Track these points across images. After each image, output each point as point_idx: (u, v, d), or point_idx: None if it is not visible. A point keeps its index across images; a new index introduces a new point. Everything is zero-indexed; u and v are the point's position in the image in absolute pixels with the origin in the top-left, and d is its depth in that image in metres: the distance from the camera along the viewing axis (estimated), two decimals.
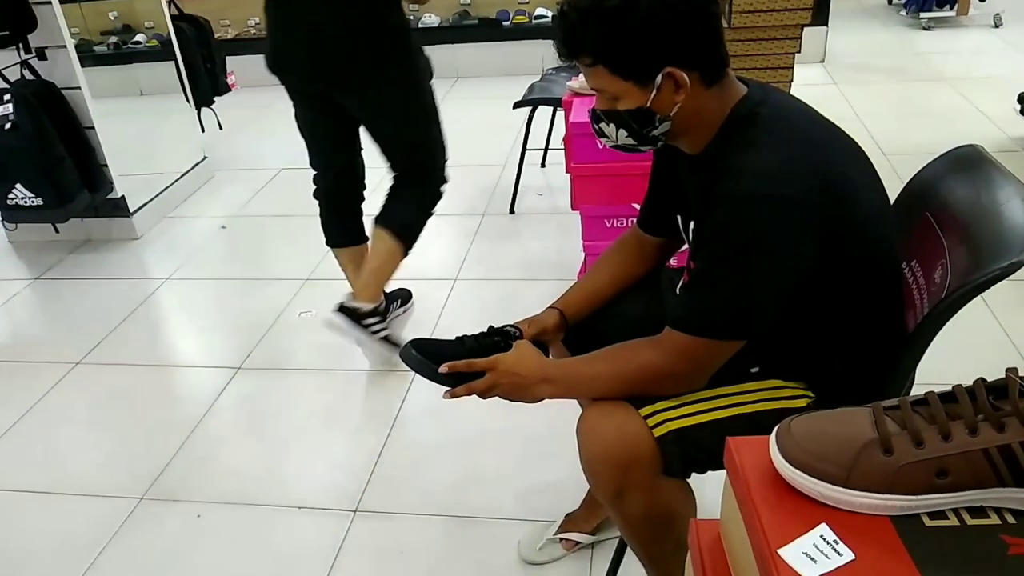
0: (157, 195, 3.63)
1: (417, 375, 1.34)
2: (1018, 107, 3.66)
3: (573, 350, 1.49)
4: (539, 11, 5.16)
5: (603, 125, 1.24)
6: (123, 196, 3.39)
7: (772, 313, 1.16)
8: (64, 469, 2.20)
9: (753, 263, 1.12)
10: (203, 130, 4.00)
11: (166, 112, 3.96)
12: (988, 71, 4.63)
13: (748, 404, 1.23)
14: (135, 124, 3.81)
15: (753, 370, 1.27)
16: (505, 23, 5.21)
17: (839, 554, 0.68)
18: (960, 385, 0.72)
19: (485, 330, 1.45)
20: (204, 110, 3.99)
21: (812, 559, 0.68)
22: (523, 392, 1.29)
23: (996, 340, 2.31)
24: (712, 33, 1.17)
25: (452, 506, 1.95)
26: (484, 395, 1.31)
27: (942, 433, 0.69)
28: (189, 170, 3.88)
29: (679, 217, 1.38)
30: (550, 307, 1.52)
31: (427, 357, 1.34)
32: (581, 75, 2.59)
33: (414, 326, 2.67)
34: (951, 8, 5.54)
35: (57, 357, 2.67)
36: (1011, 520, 0.70)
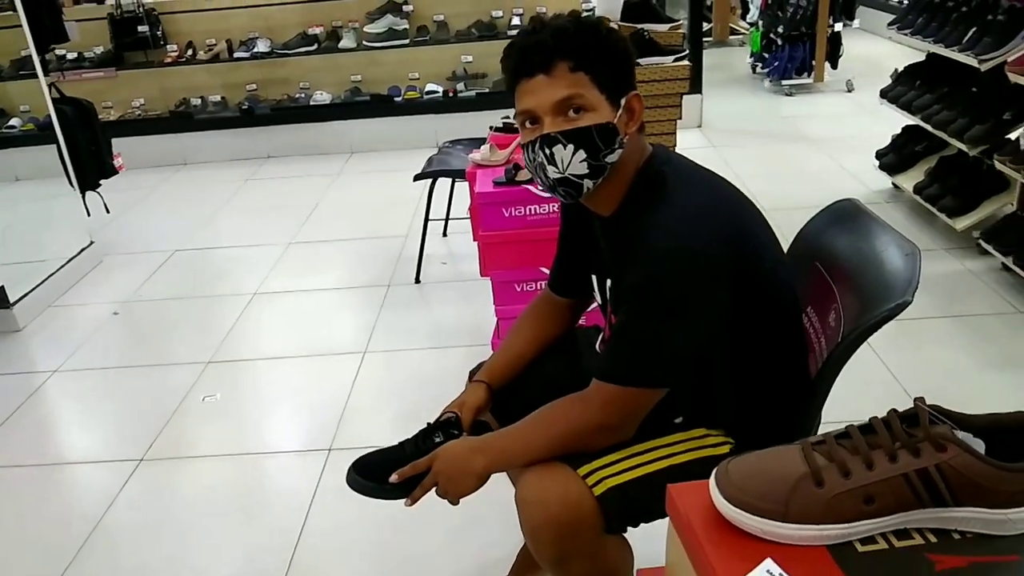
0: (40, 284, 3.45)
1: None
2: (876, 163, 4.00)
3: (500, 417, 1.50)
4: (430, 86, 5.29)
5: (557, 149, 1.21)
6: (2, 287, 3.20)
7: (691, 360, 1.21)
8: None
9: (671, 314, 1.18)
10: (89, 214, 3.86)
11: (48, 197, 3.81)
12: (847, 131, 5.05)
13: (677, 455, 1.28)
14: (14, 211, 3.65)
15: (677, 420, 1.32)
16: (397, 99, 5.30)
17: None
18: (876, 417, 0.78)
19: (425, 427, 1.45)
20: (90, 193, 3.85)
21: None
22: (461, 474, 1.29)
23: (882, 379, 2.48)
24: None
25: None
26: (437, 491, 1.32)
27: (866, 462, 0.75)
28: (75, 256, 3.71)
29: (594, 277, 1.44)
30: (475, 381, 1.53)
31: (372, 476, 1.36)
32: (484, 147, 2.70)
33: (325, 404, 2.61)
34: (808, 76, 6.03)
35: None
36: (933, 539, 0.77)
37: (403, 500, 1.34)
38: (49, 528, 2.19)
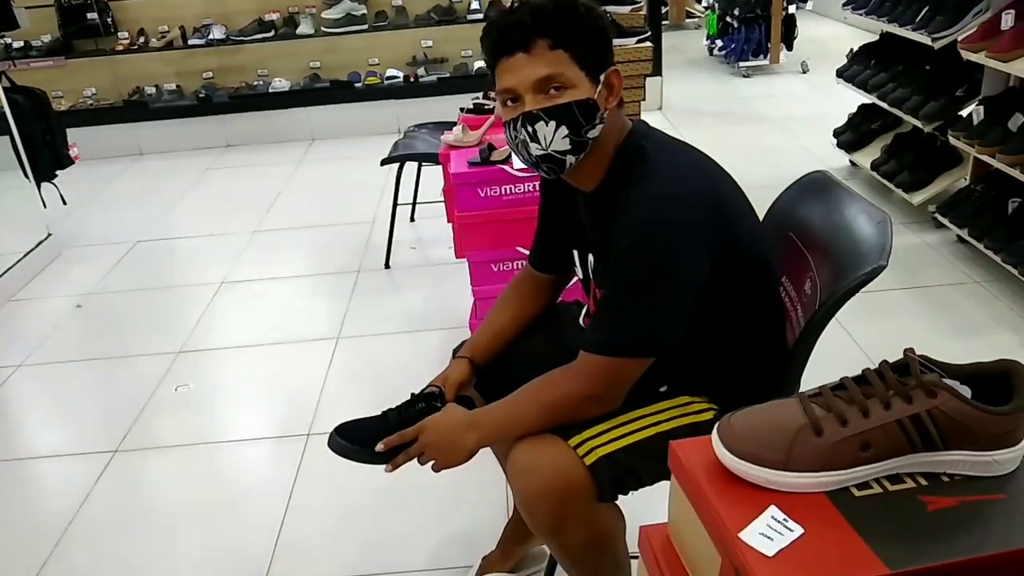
0: None
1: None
2: (834, 141, 4.09)
3: (485, 394, 1.52)
4: (390, 72, 5.25)
5: (539, 126, 1.22)
6: None
7: (677, 329, 1.25)
8: None
9: (657, 284, 1.21)
10: (45, 206, 3.77)
11: (2, 189, 3.71)
12: (804, 111, 5.15)
13: (663, 423, 1.31)
14: None
15: (662, 389, 1.36)
16: (357, 85, 5.26)
17: (790, 530, 0.75)
18: (869, 368, 0.82)
19: (408, 398, 1.46)
20: (45, 185, 3.75)
21: (769, 538, 0.75)
22: (452, 447, 1.31)
23: (847, 350, 2.55)
24: None
25: (363, 568, 1.90)
26: (420, 460, 1.33)
27: (862, 410, 0.79)
28: (32, 249, 3.63)
29: (575, 252, 1.46)
30: (458, 357, 1.54)
31: (354, 442, 1.36)
32: (456, 128, 2.70)
33: (301, 390, 2.60)
34: (764, 58, 6.13)
35: None
36: (924, 482, 0.81)
37: (383, 466, 1.35)
38: (24, 524, 2.15)
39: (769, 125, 4.93)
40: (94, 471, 2.30)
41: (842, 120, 4.15)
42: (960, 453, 0.79)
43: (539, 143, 1.24)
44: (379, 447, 1.33)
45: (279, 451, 2.36)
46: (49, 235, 3.76)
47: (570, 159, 1.26)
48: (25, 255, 3.57)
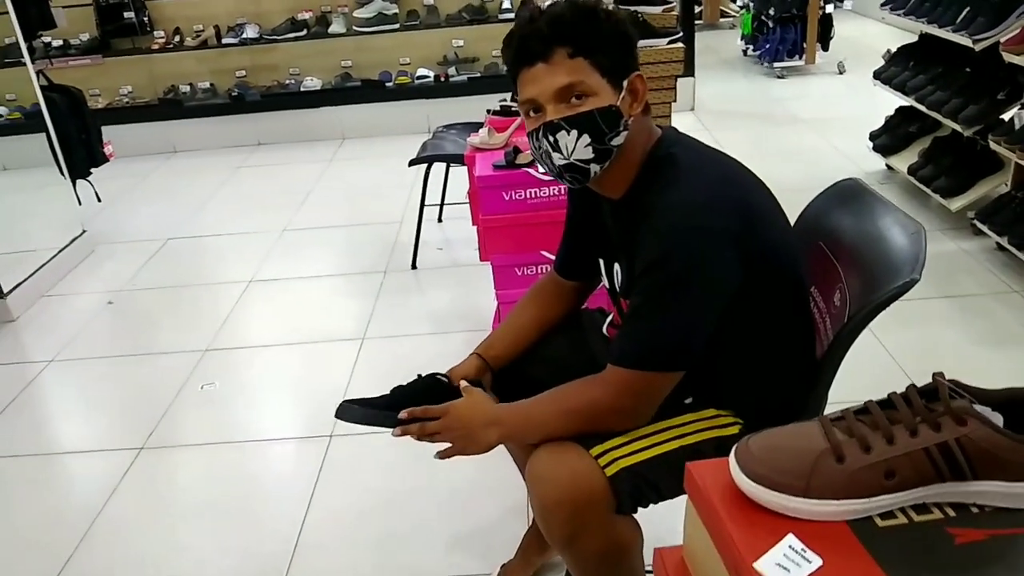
0: (33, 274, 3.42)
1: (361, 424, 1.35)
2: (870, 144, 4.00)
3: (503, 397, 1.50)
4: (421, 71, 5.25)
5: (561, 135, 1.21)
6: None
7: (705, 340, 1.21)
8: None
9: (686, 294, 1.18)
10: (80, 203, 3.83)
11: (37, 186, 3.77)
12: (839, 113, 5.05)
13: (688, 436, 1.28)
14: (3, 201, 3.61)
15: (687, 401, 1.33)
16: (388, 84, 5.27)
17: (808, 561, 0.72)
18: (895, 392, 0.79)
19: (415, 377, 1.46)
20: (80, 182, 3.82)
21: (786, 569, 0.72)
22: (472, 437, 1.30)
23: (880, 360, 2.49)
24: None
25: (381, 573, 1.90)
26: (432, 438, 1.31)
27: (886, 437, 0.75)
28: (66, 245, 3.68)
29: (601, 260, 1.44)
30: (472, 354, 1.53)
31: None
32: (482, 130, 2.69)
33: (325, 390, 2.61)
34: (800, 58, 6.03)
35: None
36: (952, 513, 0.77)
37: (392, 430, 1.32)
38: (50, 518, 2.18)
39: (803, 127, 4.85)
40: (120, 468, 2.33)
41: (879, 123, 4.06)
42: (991, 484, 0.75)
43: (561, 152, 1.23)
44: (403, 414, 1.31)
45: (302, 451, 2.36)
46: (83, 232, 3.82)
47: (594, 168, 1.24)
48: (59, 251, 3.63)
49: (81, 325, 3.20)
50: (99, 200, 3.92)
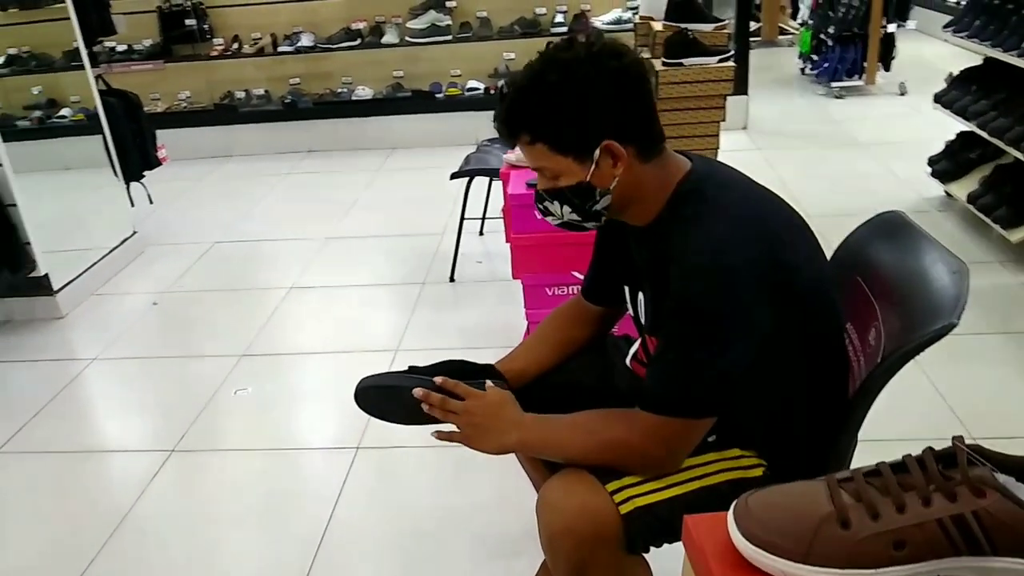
0: (83, 272, 3.51)
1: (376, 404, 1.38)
2: (928, 170, 3.86)
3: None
4: (471, 83, 5.27)
5: (548, 204, 1.26)
6: (46, 274, 3.26)
7: (737, 383, 1.16)
8: None
9: (713, 336, 1.13)
10: (132, 204, 3.92)
11: (94, 187, 3.87)
12: (898, 136, 4.90)
13: (709, 476, 1.23)
14: (61, 200, 3.71)
15: (710, 439, 1.27)
16: (438, 95, 5.29)
17: None
18: (910, 455, 0.73)
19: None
20: (134, 184, 3.91)
21: None
22: (488, 433, 1.27)
23: (927, 396, 2.38)
24: (646, 110, 1.21)
25: None
26: (449, 417, 1.28)
27: (896, 505, 0.70)
28: (117, 246, 3.77)
29: (627, 288, 1.40)
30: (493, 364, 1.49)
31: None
32: (517, 148, 2.66)
33: (352, 402, 2.60)
34: (859, 78, 5.87)
35: None
36: None
37: (415, 390, 1.30)
38: (80, 515, 2.22)
39: (860, 150, 4.71)
40: (150, 470, 2.36)
41: (939, 147, 3.92)
42: (1013, 561, 0.69)
43: (553, 215, 1.27)
44: (438, 380, 1.30)
45: (328, 462, 2.36)
46: (134, 233, 3.91)
47: (589, 224, 1.27)
48: (110, 251, 3.72)
49: (126, 325, 3.27)
50: (151, 202, 4.01)
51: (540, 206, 1.28)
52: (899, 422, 2.22)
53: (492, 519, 2.04)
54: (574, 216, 1.25)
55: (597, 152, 1.17)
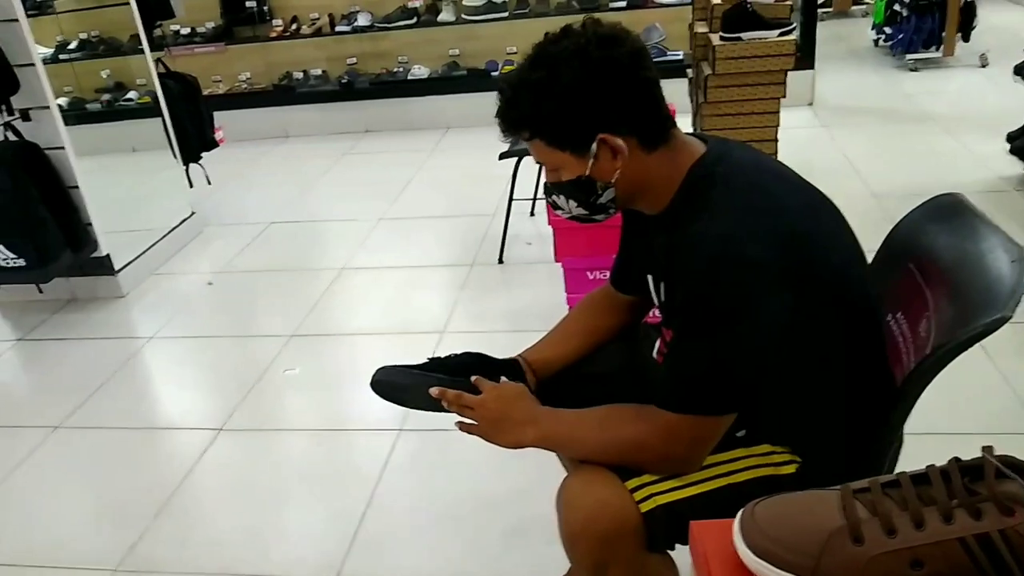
0: (144, 252, 3.60)
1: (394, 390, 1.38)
2: (1007, 146, 3.64)
3: (546, 401, 1.44)
4: None
5: (555, 198, 1.24)
6: (108, 254, 3.36)
7: (756, 378, 1.11)
8: (37, 539, 2.13)
9: (727, 330, 1.08)
10: (191, 185, 4.00)
11: (154, 168, 3.97)
12: (976, 111, 4.63)
13: (736, 473, 1.18)
14: (123, 181, 3.82)
15: (739, 434, 1.22)
16: (494, 73, 5.24)
17: None
18: (933, 465, 0.67)
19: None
20: (192, 165, 3.99)
21: None
22: (503, 428, 1.26)
23: (992, 386, 2.25)
24: (645, 98, 1.15)
25: (434, 570, 1.88)
26: (465, 412, 1.28)
27: (915, 520, 0.64)
28: (177, 226, 3.86)
29: (650, 277, 1.34)
30: (515, 356, 1.47)
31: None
32: None
33: None
34: (937, 49, 5.57)
35: (37, 421, 2.61)
36: None
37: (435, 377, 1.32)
38: (130, 491, 2.28)
39: (934, 125, 4.47)
40: (199, 448, 2.41)
41: (1019, 123, 3.69)
42: None
43: (562, 209, 1.25)
44: (474, 379, 1.30)
45: (370, 444, 2.37)
46: (192, 213, 3.99)
47: (597, 217, 1.24)
48: (169, 232, 3.81)
49: (182, 304, 3.35)
50: (209, 183, 4.09)
51: (550, 199, 1.26)
52: (958, 411, 2.10)
53: (530, 506, 2.01)
54: (581, 210, 1.22)
55: (594, 146, 1.13)
